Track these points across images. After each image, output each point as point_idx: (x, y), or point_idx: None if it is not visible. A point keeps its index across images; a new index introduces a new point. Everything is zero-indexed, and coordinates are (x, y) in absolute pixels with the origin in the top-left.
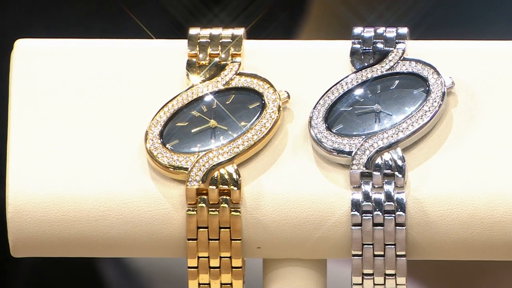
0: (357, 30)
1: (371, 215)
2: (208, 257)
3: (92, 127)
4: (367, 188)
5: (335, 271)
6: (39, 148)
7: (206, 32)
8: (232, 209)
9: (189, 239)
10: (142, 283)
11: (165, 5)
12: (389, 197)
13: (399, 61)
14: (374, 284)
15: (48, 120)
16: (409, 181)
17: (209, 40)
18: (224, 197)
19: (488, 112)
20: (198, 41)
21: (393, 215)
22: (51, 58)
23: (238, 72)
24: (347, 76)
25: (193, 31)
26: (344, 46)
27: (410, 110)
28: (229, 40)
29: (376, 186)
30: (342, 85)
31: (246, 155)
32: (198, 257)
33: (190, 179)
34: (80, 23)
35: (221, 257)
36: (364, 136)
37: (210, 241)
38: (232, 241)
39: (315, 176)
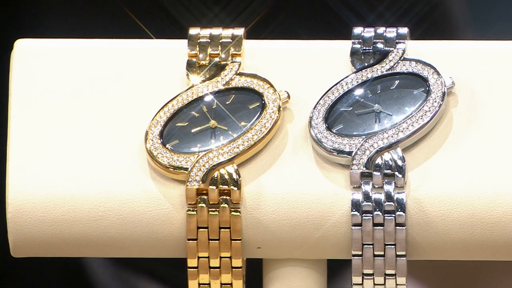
0: (357, 30)
1: (371, 215)
2: (208, 257)
3: (92, 127)
4: (367, 188)
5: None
6: (39, 148)
7: (206, 32)
8: (232, 209)
9: (189, 239)
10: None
11: (165, 5)
12: (389, 197)
13: (399, 61)
14: (374, 284)
15: (48, 120)
16: (409, 181)
17: (209, 40)
18: (224, 197)
19: (488, 112)
20: (198, 41)
21: (393, 215)
22: (51, 58)
23: (238, 72)
24: (347, 76)
25: (193, 31)
26: (344, 46)
27: (410, 110)
28: (229, 40)
29: (376, 186)
30: (342, 85)
31: (246, 155)
32: (198, 257)
33: (190, 179)
34: (80, 23)
35: (221, 257)
36: (364, 136)
37: (210, 241)
38: (232, 241)
39: (315, 176)
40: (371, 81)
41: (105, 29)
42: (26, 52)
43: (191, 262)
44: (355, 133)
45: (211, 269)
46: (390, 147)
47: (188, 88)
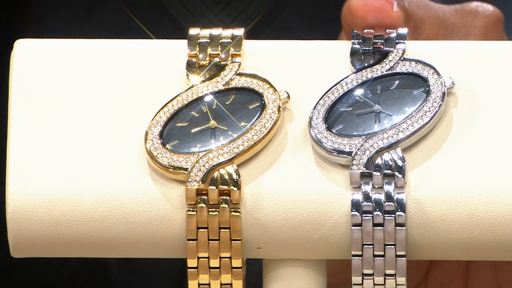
0: (357, 30)
1: (371, 215)
2: (208, 257)
3: (92, 127)
4: (367, 188)
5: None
6: (39, 148)
7: (206, 32)
8: (232, 210)
9: (189, 240)
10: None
11: (165, 5)
12: (389, 197)
13: (399, 61)
14: (374, 284)
15: (48, 120)
16: (409, 181)
17: (209, 40)
18: (224, 197)
19: (488, 112)
20: (198, 41)
21: (393, 215)
22: (51, 58)
23: (238, 72)
24: (347, 76)
25: (193, 31)
26: (344, 46)
27: (410, 110)
28: (229, 40)
29: (376, 186)
30: (342, 85)
31: (246, 155)
32: (198, 258)
33: (190, 180)
34: (80, 23)
35: (221, 258)
36: (364, 137)
37: (210, 241)
38: (232, 242)
39: (315, 176)
40: (371, 81)
41: (105, 29)
42: (26, 52)
43: (191, 263)
44: (355, 133)
45: (211, 269)
46: (390, 147)
47: (188, 88)
